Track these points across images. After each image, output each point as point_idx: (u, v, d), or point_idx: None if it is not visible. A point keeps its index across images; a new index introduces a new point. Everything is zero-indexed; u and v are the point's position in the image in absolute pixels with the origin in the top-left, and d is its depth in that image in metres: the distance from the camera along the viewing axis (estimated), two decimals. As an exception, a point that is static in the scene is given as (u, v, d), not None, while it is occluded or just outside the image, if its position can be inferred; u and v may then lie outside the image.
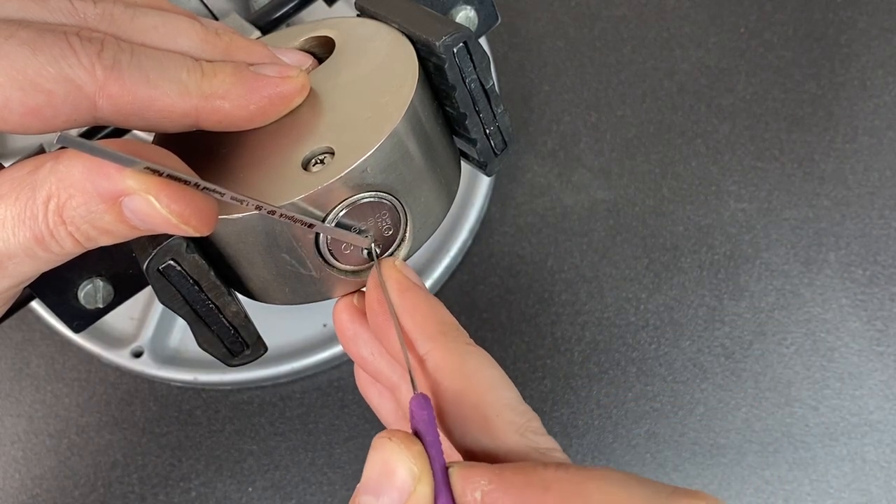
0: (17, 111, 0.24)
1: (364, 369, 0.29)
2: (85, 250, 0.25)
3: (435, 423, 0.23)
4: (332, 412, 0.56)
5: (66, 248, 0.24)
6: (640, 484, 0.21)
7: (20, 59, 0.23)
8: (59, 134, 0.21)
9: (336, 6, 0.42)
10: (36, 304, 0.56)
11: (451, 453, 0.24)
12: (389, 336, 0.26)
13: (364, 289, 0.28)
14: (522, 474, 0.22)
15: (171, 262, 0.26)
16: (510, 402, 0.24)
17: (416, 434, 0.23)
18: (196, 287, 0.27)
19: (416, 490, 0.22)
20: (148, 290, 0.30)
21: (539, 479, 0.21)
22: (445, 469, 0.23)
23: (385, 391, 0.30)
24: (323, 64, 0.31)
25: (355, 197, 0.26)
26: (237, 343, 0.29)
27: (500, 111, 0.29)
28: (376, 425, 0.55)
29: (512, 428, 0.24)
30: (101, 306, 0.32)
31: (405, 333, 0.26)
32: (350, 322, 0.28)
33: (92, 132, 0.32)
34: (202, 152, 0.29)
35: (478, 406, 0.24)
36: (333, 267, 0.27)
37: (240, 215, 0.26)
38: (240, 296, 0.30)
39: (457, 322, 0.26)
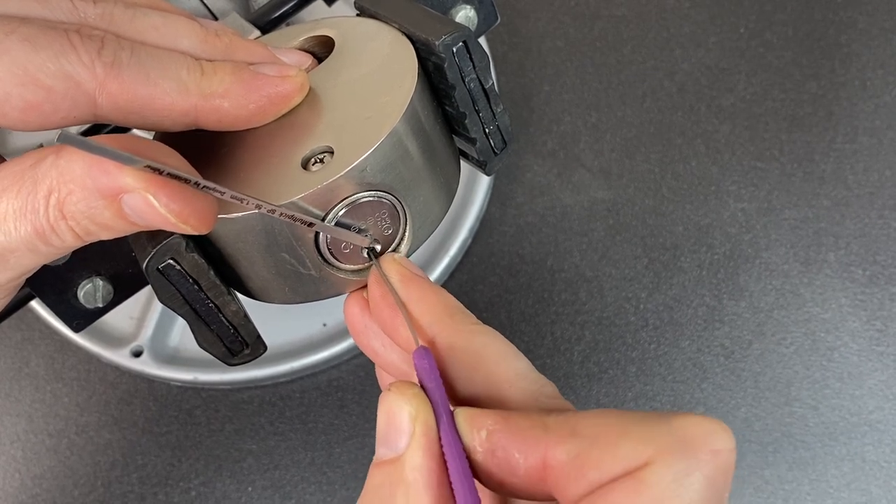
0: (17, 106, 0.24)
1: (376, 362, 0.30)
2: (85, 244, 0.25)
3: (436, 370, 0.24)
4: (331, 412, 0.56)
5: (66, 242, 0.24)
6: (631, 412, 0.21)
7: (21, 55, 0.23)
8: (59, 132, 0.21)
9: (336, 6, 0.42)
10: (36, 304, 0.56)
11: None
12: (396, 327, 0.26)
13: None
14: (525, 418, 0.22)
15: (171, 262, 0.26)
16: (522, 372, 0.24)
17: (421, 383, 0.24)
18: (195, 286, 0.27)
19: (416, 429, 0.22)
20: (148, 289, 0.31)
21: (540, 421, 0.22)
22: (451, 413, 0.23)
23: None
24: (322, 63, 0.31)
25: (355, 196, 0.26)
26: (237, 342, 0.29)
27: (499, 111, 0.29)
28: (376, 425, 0.55)
29: (525, 395, 0.24)
30: (100, 305, 0.32)
31: (412, 320, 0.26)
32: (361, 315, 0.28)
33: (93, 130, 0.32)
34: (202, 151, 0.29)
35: (490, 379, 0.24)
36: (333, 266, 0.27)
37: (239, 214, 0.26)
38: (239, 295, 0.30)
39: (462, 306, 0.26)
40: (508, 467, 0.22)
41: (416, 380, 0.27)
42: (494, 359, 0.25)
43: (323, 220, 0.26)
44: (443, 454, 0.23)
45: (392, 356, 0.29)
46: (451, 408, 0.23)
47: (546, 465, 0.21)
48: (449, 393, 0.25)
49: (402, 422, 0.23)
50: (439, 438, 0.23)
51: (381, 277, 0.27)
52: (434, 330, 0.25)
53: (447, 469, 0.22)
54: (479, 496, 0.22)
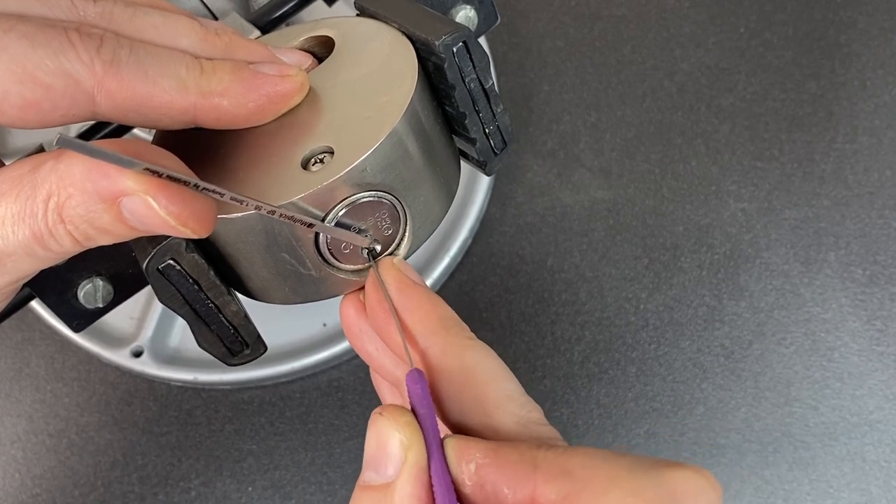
0: (16, 104, 0.24)
1: (370, 365, 0.30)
2: (84, 249, 0.25)
3: (429, 397, 0.24)
4: (331, 412, 0.56)
5: (65, 247, 0.24)
6: (622, 457, 0.22)
7: (19, 53, 0.23)
8: (58, 135, 0.21)
9: (336, 6, 0.42)
10: (36, 304, 0.56)
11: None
12: (390, 332, 0.26)
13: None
14: (517, 452, 0.22)
15: (171, 262, 0.26)
16: (511, 394, 0.24)
17: (413, 409, 0.24)
18: (196, 286, 0.27)
19: (407, 458, 0.23)
20: (148, 289, 0.30)
21: (531, 456, 0.22)
22: (441, 442, 0.23)
23: (394, 389, 0.30)
24: (322, 63, 0.31)
25: (355, 196, 0.26)
26: (237, 342, 0.29)
27: (499, 111, 0.29)
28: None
29: (513, 419, 0.24)
30: (100, 306, 0.32)
31: (406, 330, 0.26)
32: (356, 318, 0.29)
33: (94, 130, 0.32)
34: (202, 152, 0.29)
35: (478, 398, 0.24)
36: (333, 266, 0.27)
37: (239, 215, 0.26)
38: (239, 295, 0.30)
39: (457, 317, 0.26)
40: (496, 501, 0.22)
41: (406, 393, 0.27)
42: (485, 378, 0.25)
43: (323, 220, 0.26)
44: (431, 484, 0.23)
45: (385, 360, 0.29)
46: (441, 436, 0.23)
47: (535, 502, 0.21)
48: (437, 410, 0.25)
49: (393, 449, 0.23)
50: (428, 468, 0.23)
51: (378, 282, 0.27)
52: (427, 342, 0.25)
53: (434, 499, 0.22)
54: None
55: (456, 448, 0.23)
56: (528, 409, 0.24)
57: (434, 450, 0.23)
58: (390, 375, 0.29)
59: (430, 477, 0.23)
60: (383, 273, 0.27)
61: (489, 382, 0.24)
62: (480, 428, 0.24)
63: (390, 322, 0.26)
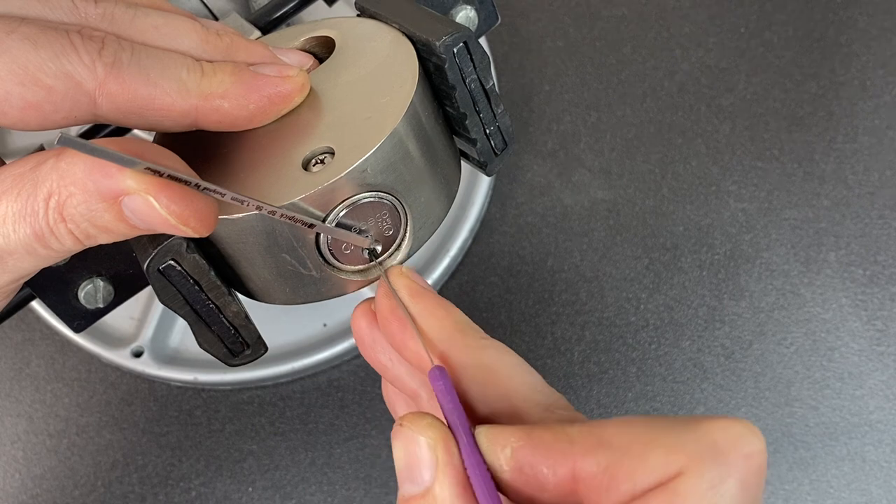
0: (17, 105, 0.24)
1: (385, 376, 0.29)
2: (84, 248, 0.25)
3: (454, 391, 0.23)
4: (331, 412, 0.56)
5: (65, 246, 0.24)
6: (657, 419, 0.21)
7: (21, 55, 0.23)
8: (59, 134, 0.21)
9: (336, 6, 0.42)
10: (36, 304, 0.56)
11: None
12: (405, 340, 0.26)
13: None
14: (549, 431, 0.22)
15: (172, 262, 0.26)
16: (534, 385, 0.24)
17: (441, 406, 0.23)
18: (196, 287, 0.27)
19: (438, 458, 0.22)
20: (148, 290, 0.31)
21: (564, 434, 0.22)
22: (471, 433, 0.23)
23: (410, 401, 0.30)
24: (323, 64, 0.31)
25: (355, 197, 0.26)
26: (237, 343, 0.29)
27: (500, 111, 0.29)
28: (376, 425, 0.55)
29: (540, 408, 0.24)
30: (101, 306, 0.32)
31: (422, 335, 0.26)
32: (369, 328, 0.28)
33: (94, 131, 0.32)
34: (203, 152, 0.29)
35: (504, 393, 0.24)
36: (334, 267, 0.27)
37: (240, 215, 0.26)
38: (240, 296, 0.30)
39: (470, 320, 0.26)
40: (537, 483, 0.22)
41: (425, 396, 0.27)
42: (507, 373, 0.24)
43: (324, 220, 0.26)
44: (468, 479, 0.22)
45: (400, 370, 0.28)
46: (471, 428, 0.23)
47: (576, 478, 0.21)
48: (468, 412, 0.24)
49: (423, 454, 0.22)
50: (463, 462, 0.22)
51: (391, 291, 0.26)
52: (445, 346, 0.25)
53: (475, 493, 0.22)
54: None
55: (489, 436, 0.23)
56: (554, 397, 0.24)
57: (466, 442, 0.23)
58: (406, 387, 0.29)
59: (465, 471, 0.22)
60: (393, 281, 0.27)
61: (512, 377, 0.24)
62: (509, 422, 0.24)
63: (404, 331, 0.26)
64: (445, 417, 0.23)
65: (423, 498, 0.22)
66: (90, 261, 0.31)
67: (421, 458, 0.22)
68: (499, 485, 0.22)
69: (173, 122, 0.26)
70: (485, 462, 0.22)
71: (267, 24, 0.35)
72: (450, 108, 0.29)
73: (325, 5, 0.41)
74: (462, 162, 0.32)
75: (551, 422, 0.23)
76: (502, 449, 0.22)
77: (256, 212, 0.25)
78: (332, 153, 0.26)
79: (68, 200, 0.23)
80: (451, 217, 0.57)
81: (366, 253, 0.27)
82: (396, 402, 0.31)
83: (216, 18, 0.39)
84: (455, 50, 0.27)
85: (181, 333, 0.57)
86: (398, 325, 0.26)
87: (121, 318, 0.57)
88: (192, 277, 0.27)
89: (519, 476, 0.22)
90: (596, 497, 0.21)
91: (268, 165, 0.27)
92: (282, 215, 0.25)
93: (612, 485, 0.20)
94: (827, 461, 0.53)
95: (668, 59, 0.62)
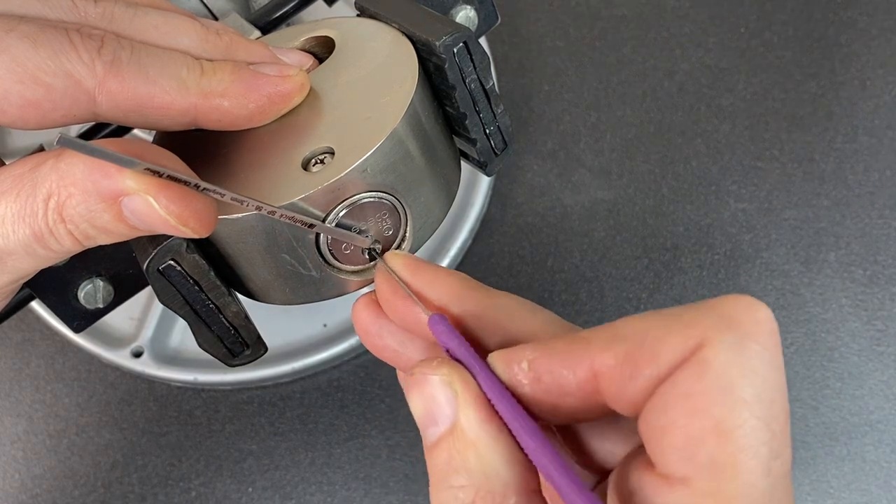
0: (16, 103, 0.24)
1: (397, 364, 0.29)
2: (84, 248, 0.25)
3: (455, 331, 0.23)
4: (331, 412, 0.56)
5: (65, 246, 0.24)
6: (669, 309, 0.22)
7: (20, 53, 0.23)
8: (59, 135, 0.21)
9: (336, 6, 0.42)
10: (36, 304, 0.56)
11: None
12: (416, 316, 0.26)
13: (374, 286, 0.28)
14: (564, 339, 0.22)
15: (171, 262, 0.26)
16: (553, 320, 0.25)
17: (446, 350, 0.23)
18: (196, 287, 0.27)
19: (457, 391, 0.22)
20: (148, 290, 0.30)
21: (579, 337, 0.22)
22: (484, 361, 0.23)
23: None
24: (323, 64, 0.31)
25: (355, 197, 0.26)
26: (237, 343, 0.29)
27: (500, 111, 0.29)
28: (376, 425, 0.55)
29: (563, 333, 0.24)
30: (101, 306, 0.32)
31: (432, 305, 0.26)
32: (374, 318, 0.27)
33: (94, 131, 0.32)
34: (202, 152, 0.29)
35: (527, 330, 0.24)
36: (334, 267, 0.27)
37: (240, 215, 0.26)
38: (240, 296, 0.30)
39: (477, 281, 0.26)
40: (558, 388, 0.22)
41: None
42: (525, 313, 0.25)
43: (323, 221, 0.26)
44: (492, 404, 0.22)
45: (411, 352, 0.28)
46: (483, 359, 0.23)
47: (596, 375, 0.21)
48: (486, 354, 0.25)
49: (440, 394, 0.22)
50: (481, 389, 0.22)
51: (388, 272, 0.26)
52: (459, 306, 0.25)
53: (501, 415, 0.22)
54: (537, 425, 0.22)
55: (502, 357, 0.23)
56: (575, 327, 0.24)
57: (479, 368, 0.22)
58: None
59: (486, 398, 0.22)
60: (390, 261, 0.27)
61: (533, 314, 0.25)
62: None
63: (412, 306, 0.25)
64: (451, 355, 0.23)
65: (451, 434, 0.22)
66: (90, 261, 0.31)
67: (439, 398, 0.22)
68: (520, 400, 0.22)
69: (173, 120, 0.26)
70: (503, 383, 0.22)
71: (267, 24, 0.35)
72: (450, 108, 0.29)
73: (325, 5, 0.41)
74: (462, 162, 0.32)
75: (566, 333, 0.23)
76: (518, 364, 0.22)
77: (256, 212, 0.25)
78: (332, 153, 0.26)
79: (68, 201, 0.23)
80: (451, 217, 0.57)
81: (366, 253, 0.27)
82: None
83: (216, 18, 0.39)
84: (455, 50, 0.27)
85: (181, 333, 0.57)
86: (404, 304, 0.26)
87: (121, 318, 0.57)
88: (191, 277, 0.27)
89: (539, 386, 0.22)
90: (619, 388, 0.21)
91: (268, 165, 0.27)
92: (282, 215, 0.25)
93: (635, 371, 0.20)
94: (827, 461, 0.53)
95: (667, 59, 0.62)
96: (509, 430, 0.22)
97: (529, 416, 0.22)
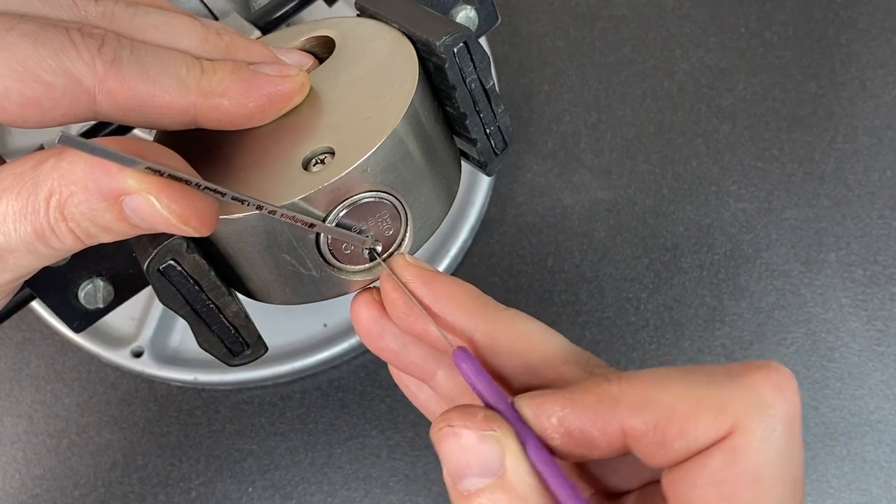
0: (16, 102, 0.24)
1: (396, 365, 0.29)
2: (85, 247, 0.25)
3: (482, 368, 0.24)
4: (332, 412, 0.56)
5: (66, 245, 0.24)
6: (698, 373, 0.22)
7: (21, 51, 0.23)
8: (60, 134, 0.21)
9: (336, 6, 0.42)
10: (36, 304, 0.56)
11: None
12: (426, 328, 0.26)
13: (376, 284, 0.28)
14: (592, 393, 0.23)
15: (172, 262, 0.26)
16: (566, 347, 0.25)
17: (471, 385, 0.24)
18: (196, 287, 0.27)
19: (506, 446, 0.22)
20: (148, 290, 0.30)
21: (607, 394, 0.22)
22: (512, 407, 0.23)
23: (422, 384, 0.30)
24: (323, 64, 0.31)
25: (355, 197, 0.26)
26: (237, 343, 0.29)
27: (500, 111, 0.29)
28: (376, 425, 0.55)
29: (580, 368, 0.24)
30: (101, 306, 0.32)
31: (443, 321, 0.26)
32: (377, 318, 0.28)
33: (95, 130, 0.32)
34: (203, 152, 0.29)
35: (543, 359, 0.25)
36: (334, 267, 0.27)
37: (240, 215, 0.26)
38: (240, 296, 0.30)
39: (485, 294, 0.26)
40: (588, 443, 0.23)
41: (441, 375, 0.27)
42: (541, 339, 0.25)
43: (324, 220, 0.26)
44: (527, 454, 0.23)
45: (412, 356, 0.28)
46: (509, 399, 0.23)
47: (626, 434, 0.22)
48: (501, 384, 0.25)
49: (485, 449, 0.22)
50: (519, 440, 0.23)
51: (399, 286, 0.26)
52: (471, 324, 0.25)
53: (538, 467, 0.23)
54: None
55: (530, 406, 0.23)
56: (586, 355, 0.25)
57: (513, 418, 0.23)
58: (419, 370, 0.28)
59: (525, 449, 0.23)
60: (400, 271, 0.27)
61: (546, 341, 0.25)
62: (547, 387, 0.24)
63: (419, 314, 0.26)
64: (481, 397, 0.23)
65: (499, 487, 0.22)
66: (90, 261, 0.31)
67: (484, 452, 0.23)
68: (550, 450, 0.23)
69: (173, 119, 0.26)
70: (534, 433, 0.23)
71: (267, 24, 0.35)
72: (450, 108, 0.29)
73: (325, 5, 0.41)
74: (462, 162, 0.32)
75: (589, 382, 0.23)
76: (548, 418, 0.23)
77: (257, 211, 0.25)
78: (333, 153, 0.26)
79: (69, 199, 0.23)
80: (451, 217, 0.57)
81: (366, 253, 0.27)
82: (410, 386, 0.31)
83: (216, 18, 0.39)
84: (455, 50, 0.27)
85: (181, 333, 0.57)
86: (416, 317, 0.26)
87: (121, 318, 0.57)
88: (192, 277, 0.27)
89: (569, 440, 0.23)
90: (650, 452, 0.22)
91: (268, 165, 0.27)
92: (282, 215, 0.25)
93: (665, 442, 0.22)
94: (827, 461, 0.53)
95: (667, 59, 0.62)
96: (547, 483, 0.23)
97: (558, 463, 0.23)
